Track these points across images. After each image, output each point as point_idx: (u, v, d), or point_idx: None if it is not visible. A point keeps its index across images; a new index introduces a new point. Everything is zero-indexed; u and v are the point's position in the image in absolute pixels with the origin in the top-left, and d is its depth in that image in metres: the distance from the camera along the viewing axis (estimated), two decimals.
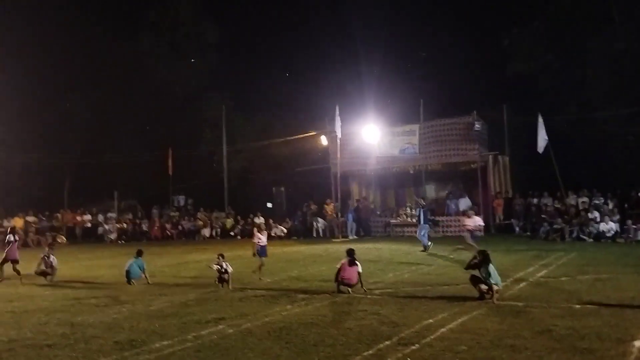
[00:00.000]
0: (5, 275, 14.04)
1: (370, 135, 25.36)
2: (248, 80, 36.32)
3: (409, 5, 34.20)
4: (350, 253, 10.61)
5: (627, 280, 10.99)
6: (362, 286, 10.49)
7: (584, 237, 19.98)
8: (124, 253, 17.59)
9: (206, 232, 28.60)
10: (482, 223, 17.06)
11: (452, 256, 16.10)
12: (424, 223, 18.18)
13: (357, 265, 10.44)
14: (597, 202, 21.75)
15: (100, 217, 30.99)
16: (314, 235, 26.18)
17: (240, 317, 8.64)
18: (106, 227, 29.80)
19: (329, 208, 26.26)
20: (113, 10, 35.50)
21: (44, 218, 29.86)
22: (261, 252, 12.86)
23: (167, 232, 29.31)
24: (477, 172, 23.99)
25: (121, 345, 7.18)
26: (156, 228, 29.52)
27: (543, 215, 22.04)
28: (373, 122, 25.64)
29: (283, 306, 9.40)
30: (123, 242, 28.08)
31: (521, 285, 10.78)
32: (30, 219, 28.83)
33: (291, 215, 27.96)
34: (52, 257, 13.60)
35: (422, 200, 19.34)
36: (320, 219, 26.55)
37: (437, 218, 24.39)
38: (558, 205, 22.45)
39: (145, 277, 12.62)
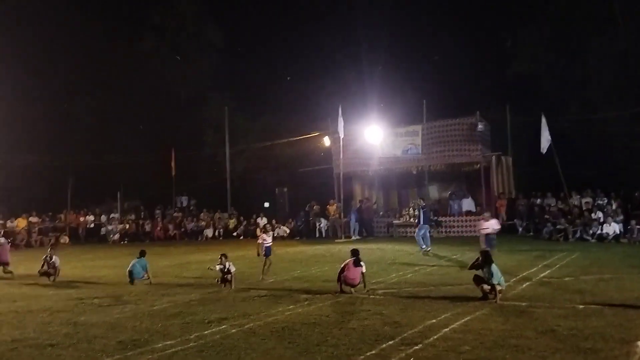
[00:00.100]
0: None
1: (373, 136, 25.33)
2: (250, 81, 36.34)
3: (412, 6, 34.20)
4: (356, 253, 10.60)
5: (631, 281, 10.95)
6: (365, 286, 10.49)
7: (587, 237, 19.93)
8: (126, 253, 17.62)
9: (209, 232, 28.63)
10: (498, 226, 16.42)
11: (454, 256, 16.08)
12: (424, 223, 18.08)
13: (361, 266, 10.44)
14: (600, 202, 21.70)
15: (104, 218, 31.10)
16: (317, 235, 26.19)
17: (243, 317, 8.64)
18: (109, 227, 29.88)
19: (332, 208, 26.26)
20: (116, 12, 35.62)
21: (47, 219, 29.95)
22: (267, 252, 12.85)
23: (170, 232, 29.38)
24: (480, 173, 23.95)
25: (124, 345, 7.19)
26: (159, 228, 29.60)
27: (546, 216, 22.00)
28: (376, 122, 25.61)
29: (286, 306, 9.40)
30: (126, 242, 28.13)
31: (524, 285, 10.75)
32: (34, 219, 28.93)
33: (294, 216, 27.96)
34: (54, 258, 13.64)
35: (422, 201, 19.25)
36: (323, 220, 26.56)
37: (440, 218, 24.39)
38: (561, 206, 22.40)
39: (148, 277, 12.65)
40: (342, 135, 24.66)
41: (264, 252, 12.79)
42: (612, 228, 19.52)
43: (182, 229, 29.50)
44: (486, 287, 9.24)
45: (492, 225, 14.71)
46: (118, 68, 34.47)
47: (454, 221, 24.15)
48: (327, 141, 28.46)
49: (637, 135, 25.41)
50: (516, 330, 7.32)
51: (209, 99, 35.99)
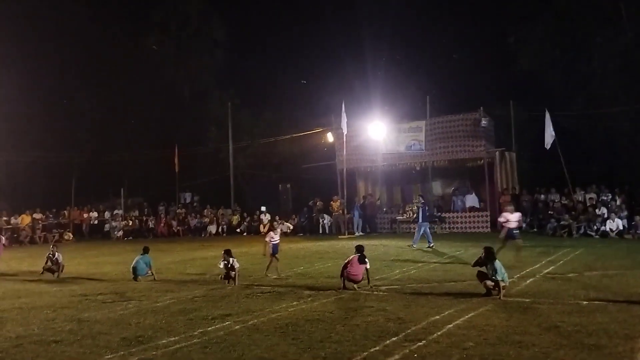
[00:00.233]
0: None
1: (376, 132, 25.32)
2: (254, 77, 36.36)
3: (415, 1, 34.13)
4: (360, 250, 10.60)
5: (635, 277, 10.92)
6: (368, 282, 10.49)
7: (591, 233, 19.90)
8: (130, 250, 17.68)
9: (212, 229, 28.68)
10: (521, 220, 15.64)
11: (458, 252, 16.07)
12: (423, 221, 18.09)
13: (366, 262, 10.44)
14: (604, 198, 21.66)
15: (107, 214, 31.16)
16: (320, 231, 26.20)
17: (247, 313, 8.65)
18: (113, 224, 29.95)
19: (335, 205, 26.26)
20: (120, 9, 35.60)
21: (51, 215, 30.01)
22: (274, 250, 12.81)
23: (174, 229, 29.43)
24: (483, 169, 23.91)
25: (128, 341, 7.20)
26: (162, 225, 29.65)
27: (550, 212, 21.97)
28: (379, 118, 25.61)
29: (289, 302, 9.41)
30: (130, 239, 28.19)
31: (528, 281, 10.74)
32: (38, 216, 28.99)
33: (297, 212, 27.97)
34: (57, 255, 13.68)
35: (421, 198, 19.26)
36: (326, 216, 26.57)
37: (444, 214, 24.39)
38: (565, 202, 22.36)
39: (152, 273, 12.67)
40: (345, 131, 24.65)
41: (271, 251, 12.75)
42: (616, 224, 19.49)
43: (186, 226, 29.56)
44: (490, 283, 9.23)
45: (515, 218, 14.11)
46: (122, 65, 34.52)
47: (457, 217, 24.13)
48: (330, 137, 28.47)
49: None
50: (520, 326, 7.31)
51: (212, 96, 35.99)
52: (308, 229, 26.49)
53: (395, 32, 33.35)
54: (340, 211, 25.62)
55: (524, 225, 15.61)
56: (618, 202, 20.87)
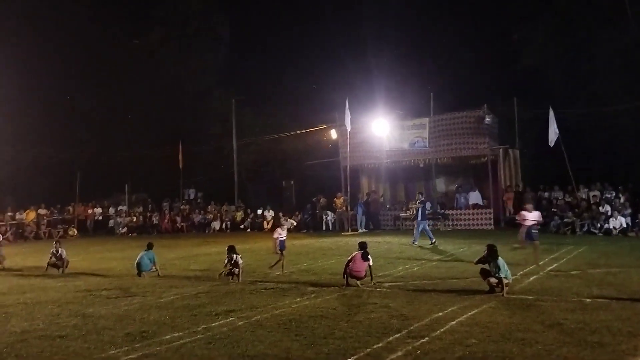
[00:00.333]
0: None
1: (380, 129, 25.30)
2: (257, 74, 36.27)
3: None
4: (363, 246, 10.62)
5: (638, 274, 10.91)
6: (371, 279, 10.51)
7: (595, 231, 19.88)
8: (134, 246, 17.73)
9: (216, 225, 28.73)
10: (540, 219, 15.12)
11: (461, 249, 16.08)
12: (422, 219, 18.15)
13: (369, 259, 10.46)
14: (608, 195, 21.62)
15: (112, 210, 31.24)
16: (324, 228, 26.21)
17: (250, 309, 8.68)
18: (118, 220, 30.03)
19: (339, 201, 26.26)
20: (123, 6, 35.59)
21: (55, 211, 30.12)
22: (280, 246, 12.82)
23: (178, 225, 29.49)
24: (487, 166, 23.90)
25: (132, 337, 7.24)
26: (167, 221, 29.72)
27: (554, 209, 21.93)
28: (383, 115, 25.57)
29: (293, 299, 9.44)
30: (134, 235, 28.26)
31: (531, 278, 10.74)
32: (42, 211, 29.11)
33: (301, 209, 28.00)
34: (60, 250, 13.75)
35: (420, 196, 19.30)
36: (329, 213, 26.57)
37: (447, 212, 24.39)
38: (569, 199, 22.33)
39: (156, 269, 12.71)
40: (349, 128, 24.64)
41: (278, 247, 12.75)
42: (619, 221, 19.48)
43: (190, 222, 29.61)
44: (493, 280, 9.24)
45: (535, 216, 13.87)
46: (125, 61, 34.51)
47: (460, 214, 24.12)
48: (334, 134, 28.45)
49: None
50: (523, 323, 7.33)
51: (215, 93, 35.97)
52: (311, 226, 26.51)
53: (399, 29, 33.26)
54: (344, 208, 25.63)
55: (539, 221, 14.93)
56: (622, 200, 20.83)
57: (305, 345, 6.68)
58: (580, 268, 11.84)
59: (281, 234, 12.97)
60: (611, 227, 19.54)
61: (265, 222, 27.44)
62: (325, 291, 10.06)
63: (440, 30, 33.14)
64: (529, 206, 14.26)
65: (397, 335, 6.91)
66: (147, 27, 36.31)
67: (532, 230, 13.40)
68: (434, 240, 17.59)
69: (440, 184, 26.93)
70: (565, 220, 20.74)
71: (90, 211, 31.04)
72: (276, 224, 13.87)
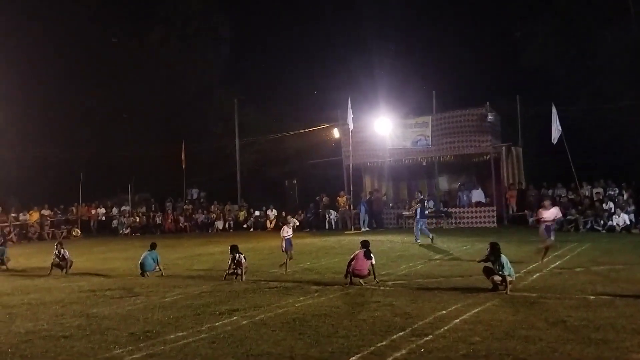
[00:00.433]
0: None
1: (382, 127, 25.28)
2: (259, 73, 36.32)
3: None
4: (366, 245, 10.63)
5: None
6: (374, 278, 10.51)
7: (598, 228, 19.85)
8: (138, 246, 17.76)
9: (219, 224, 28.74)
10: (560, 215, 14.77)
11: (464, 248, 16.07)
12: (421, 217, 18.28)
13: (371, 258, 10.46)
14: (611, 193, 21.59)
15: (115, 211, 31.28)
16: (327, 227, 26.21)
17: (254, 308, 8.69)
18: (122, 220, 30.08)
19: (342, 200, 26.27)
20: (123, 7, 35.60)
21: (59, 212, 30.17)
22: (287, 244, 12.81)
23: (181, 225, 29.51)
24: (490, 164, 23.87)
25: (136, 337, 7.25)
26: (170, 221, 29.75)
27: (557, 207, 21.87)
28: (385, 114, 25.55)
29: (296, 298, 9.45)
30: (137, 235, 28.30)
31: (535, 276, 10.74)
32: (46, 212, 29.16)
33: (304, 208, 28.00)
34: (63, 251, 13.76)
35: (419, 194, 19.34)
36: (332, 211, 26.58)
37: (450, 210, 24.37)
38: (572, 196, 22.30)
39: (160, 269, 12.73)
40: (351, 127, 24.62)
41: (284, 246, 12.74)
42: (623, 219, 19.45)
43: (193, 222, 29.63)
44: (497, 278, 9.24)
45: (552, 214, 13.51)
46: (127, 61, 34.53)
47: (463, 212, 24.10)
48: (336, 133, 28.44)
49: None
50: (527, 321, 7.32)
51: (217, 92, 35.99)
52: (314, 225, 26.51)
53: (401, 28, 33.25)
54: (347, 207, 25.63)
55: (559, 218, 14.64)
56: (625, 197, 20.80)
57: (309, 344, 6.69)
58: (584, 265, 11.82)
59: (288, 232, 12.95)
60: (614, 224, 19.52)
61: (268, 222, 27.44)
62: (329, 290, 10.07)
63: (442, 29, 33.10)
64: (547, 203, 14.06)
65: (400, 334, 6.91)
66: (148, 26, 36.32)
67: (551, 226, 13.19)
68: (432, 237, 17.69)
69: (443, 182, 26.93)
70: (569, 217, 20.71)
71: (93, 211, 31.08)
72: (283, 222, 13.80)
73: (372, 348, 6.38)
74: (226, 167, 33.38)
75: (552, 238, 13.11)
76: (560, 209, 15.37)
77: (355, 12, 35.72)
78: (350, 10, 35.97)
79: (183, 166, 30.95)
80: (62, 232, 27.87)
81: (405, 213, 25.11)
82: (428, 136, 24.89)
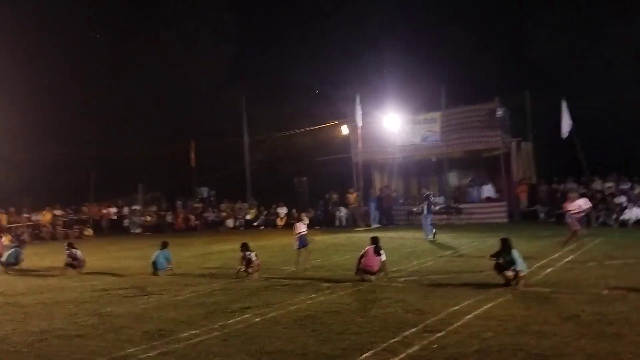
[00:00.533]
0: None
1: (391, 124, 25.24)
2: (268, 70, 36.33)
3: None
4: (375, 241, 10.63)
5: None
6: (386, 274, 10.51)
7: (610, 222, 19.71)
8: (149, 244, 17.83)
9: (230, 222, 28.81)
10: (588, 205, 14.58)
11: (474, 243, 16.02)
12: (427, 213, 18.37)
13: (381, 254, 10.46)
14: (623, 187, 21.42)
15: (126, 210, 31.43)
16: (337, 224, 26.19)
17: (266, 306, 8.72)
18: (134, 219, 30.23)
19: (351, 197, 26.25)
20: (133, 4, 35.74)
21: (70, 211, 30.36)
22: (301, 242, 12.79)
23: (192, 223, 29.60)
24: (500, 159, 23.78)
25: (150, 335, 7.30)
26: (180, 219, 29.84)
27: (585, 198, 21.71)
28: (394, 110, 25.49)
29: (308, 295, 9.46)
30: (149, 234, 28.42)
31: (547, 271, 10.69)
32: (58, 212, 29.33)
33: (313, 205, 28.01)
34: (74, 251, 13.85)
35: (425, 190, 19.34)
36: (342, 208, 26.56)
37: (461, 205, 24.30)
38: (583, 191, 22.13)
39: (172, 268, 12.79)
40: (360, 124, 24.61)
41: (298, 244, 12.73)
42: (635, 213, 19.30)
43: (203, 220, 29.72)
44: (510, 273, 9.19)
45: (579, 205, 13.39)
46: (137, 60, 34.65)
47: (474, 208, 24.02)
48: (345, 130, 28.39)
49: None
50: (539, 316, 7.30)
51: (227, 90, 36.03)
52: (324, 222, 26.49)
53: (409, 23, 33.07)
54: (357, 204, 25.61)
55: (586, 208, 14.56)
56: (637, 191, 20.63)
57: (321, 341, 6.70)
58: (597, 260, 11.75)
59: (301, 229, 12.94)
60: (627, 218, 19.37)
61: (278, 219, 27.48)
62: (340, 287, 10.08)
63: (451, 24, 32.93)
64: (573, 195, 13.99)
65: (413, 330, 6.91)
66: (157, 25, 36.44)
67: (580, 218, 13.19)
68: (429, 237, 17.71)
69: (453, 178, 26.84)
70: (559, 212, 20.53)
71: (105, 211, 31.25)
72: (298, 219, 13.78)
73: (385, 344, 6.39)
74: (236, 165, 33.44)
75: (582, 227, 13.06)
76: (588, 199, 15.16)
77: (363, 8, 35.61)
78: (359, 6, 35.86)
79: (193, 165, 31.04)
80: (74, 232, 28.05)
81: (415, 209, 25.06)
82: (437, 132, 24.82)
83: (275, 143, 33.72)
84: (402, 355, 6.02)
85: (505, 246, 9.35)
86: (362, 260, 10.49)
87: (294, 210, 26.37)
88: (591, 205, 15.64)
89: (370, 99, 26.54)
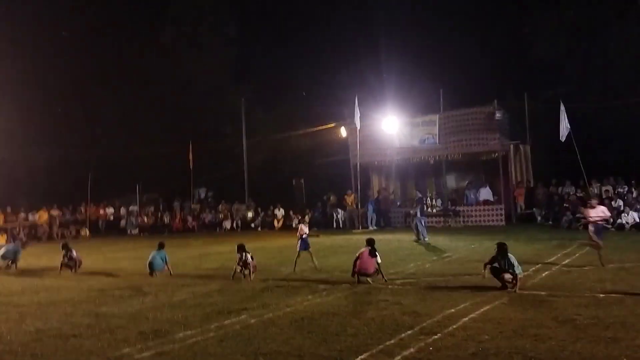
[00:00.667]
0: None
1: (389, 126, 25.25)
2: (268, 72, 36.33)
3: None
4: (371, 243, 10.62)
5: None
6: (382, 276, 10.50)
7: (607, 226, 19.67)
8: (146, 245, 17.80)
9: (227, 224, 28.79)
10: (608, 214, 14.12)
11: (472, 246, 16.02)
12: (421, 216, 18.41)
13: (377, 256, 10.45)
14: (620, 190, 21.45)
15: (123, 210, 31.39)
16: (334, 226, 26.22)
17: (262, 307, 8.70)
18: (131, 219, 30.19)
19: (349, 199, 26.26)
20: (135, 5, 35.73)
21: (67, 212, 30.31)
22: (304, 244, 12.73)
23: (189, 224, 29.58)
24: (498, 162, 23.82)
25: (145, 335, 7.28)
26: (178, 220, 29.82)
27: (565, 205, 21.80)
28: (392, 112, 25.51)
29: (304, 296, 9.45)
30: (146, 234, 28.39)
31: (544, 274, 10.69)
32: (55, 212, 29.30)
33: (311, 207, 28.01)
34: (70, 251, 13.82)
35: (418, 193, 19.35)
36: (340, 210, 26.58)
37: (458, 208, 24.32)
38: (581, 194, 22.17)
39: (168, 268, 12.76)
40: (358, 126, 24.61)
41: (300, 246, 12.68)
42: (632, 216, 19.32)
43: (201, 221, 29.70)
44: (508, 276, 9.20)
45: (598, 213, 13.04)
46: (137, 61, 34.64)
47: (472, 211, 24.04)
48: (343, 132, 28.41)
49: None
50: (536, 319, 7.30)
51: (226, 91, 36.02)
52: (322, 224, 26.49)
53: (408, 26, 33.16)
54: (354, 206, 25.62)
55: (608, 218, 14.13)
56: (634, 195, 20.67)
57: (317, 342, 6.69)
58: (593, 263, 11.73)
59: (306, 230, 12.91)
60: (624, 222, 19.39)
61: (275, 221, 27.48)
62: (337, 289, 10.07)
63: (450, 27, 33.01)
64: (593, 202, 13.59)
65: (409, 332, 6.90)
66: (158, 26, 36.44)
67: (599, 226, 12.74)
68: (415, 239, 17.81)
69: (451, 181, 26.88)
70: (577, 215, 20.56)
71: (102, 211, 31.23)
72: (302, 220, 13.75)
73: (381, 346, 6.38)
74: (234, 167, 33.42)
75: (601, 236, 12.59)
76: (608, 208, 14.70)
77: (362, 11, 35.69)
78: (359, 10, 35.94)
79: (191, 166, 31.01)
80: (70, 232, 28.01)
81: (412, 212, 25.07)
82: (436, 134, 24.84)
83: (273, 144, 33.73)
84: (398, 358, 6.01)
85: (501, 251, 9.35)
86: (358, 262, 10.47)
87: (291, 212, 26.36)
88: (610, 214, 15.21)
89: (368, 101, 26.59)
